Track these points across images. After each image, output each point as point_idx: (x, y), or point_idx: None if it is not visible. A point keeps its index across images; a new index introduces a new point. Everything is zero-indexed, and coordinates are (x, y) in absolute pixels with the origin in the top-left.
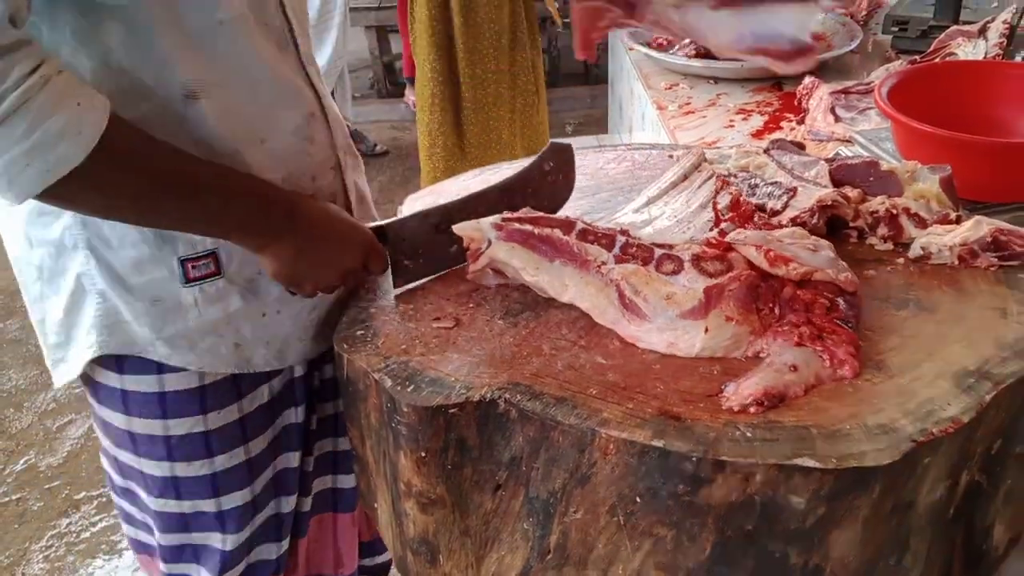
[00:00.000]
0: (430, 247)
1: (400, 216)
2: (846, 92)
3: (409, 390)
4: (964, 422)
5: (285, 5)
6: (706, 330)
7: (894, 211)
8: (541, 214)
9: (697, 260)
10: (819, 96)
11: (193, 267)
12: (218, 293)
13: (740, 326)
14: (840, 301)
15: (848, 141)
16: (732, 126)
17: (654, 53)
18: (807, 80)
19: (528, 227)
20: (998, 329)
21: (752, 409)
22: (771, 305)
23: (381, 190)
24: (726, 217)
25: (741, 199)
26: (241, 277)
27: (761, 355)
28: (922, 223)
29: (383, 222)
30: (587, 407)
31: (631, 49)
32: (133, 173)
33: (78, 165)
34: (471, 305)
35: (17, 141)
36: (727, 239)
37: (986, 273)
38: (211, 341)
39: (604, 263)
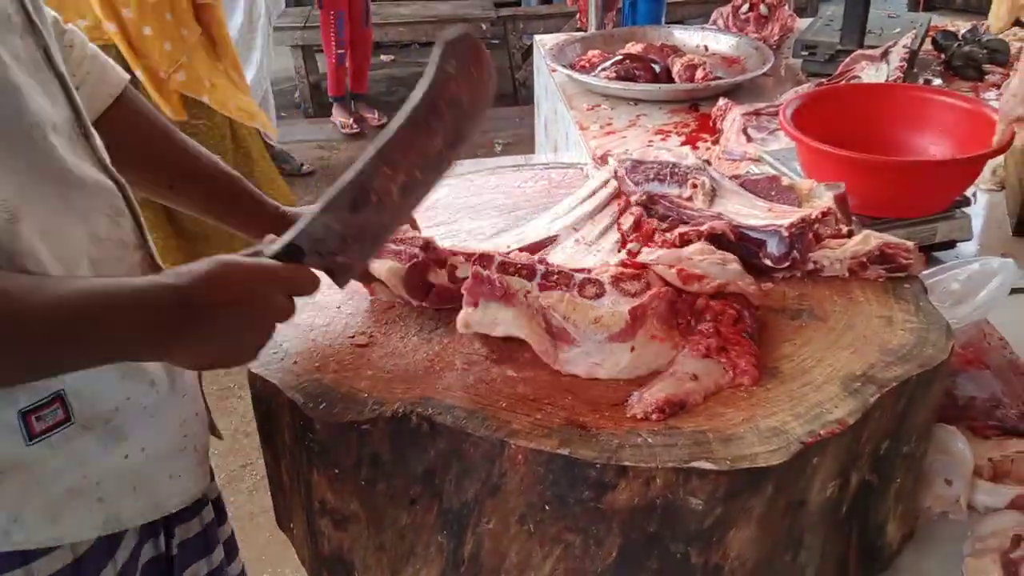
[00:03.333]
0: (356, 230)
1: (305, 219)
2: (757, 113)
3: (321, 407)
4: (850, 423)
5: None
6: (632, 349)
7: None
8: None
9: (617, 281)
10: (732, 117)
11: (37, 418)
12: (70, 443)
13: (663, 343)
14: (745, 313)
15: (758, 160)
16: (651, 145)
17: (576, 75)
18: (721, 102)
19: (401, 246)
20: (884, 336)
21: (654, 416)
22: (688, 318)
23: None
24: (631, 237)
25: (643, 220)
26: (96, 418)
27: (667, 366)
28: (818, 238)
29: (288, 237)
30: (497, 419)
31: (554, 71)
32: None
33: None
34: (386, 322)
35: None
36: (641, 259)
37: (875, 284)
38: (73, 505)
39: (528, 292)
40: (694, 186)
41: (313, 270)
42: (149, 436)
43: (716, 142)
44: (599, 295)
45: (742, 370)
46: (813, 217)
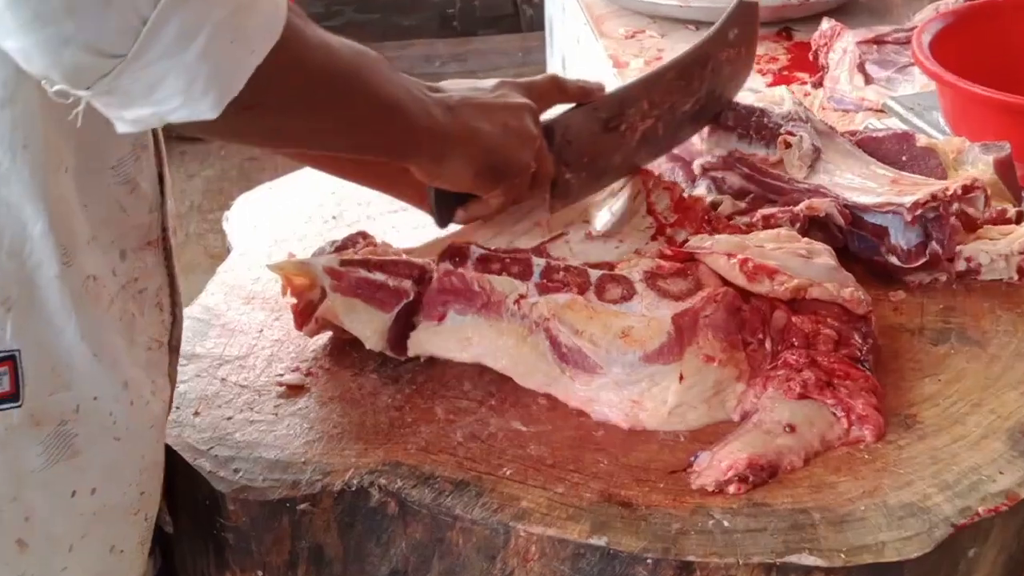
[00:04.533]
0: (595, 152)
1: (564, 112)
2: (879, 42)
3: (237, 478)
4: (1022, 498)
5: None
6: (680, 377)
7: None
8: (395, 253)
9: (652, 278)
10: (843, 48)
11: None
12: (8, 438)
13: (724, 368)
14: (854, 334)
15: (881, 110)
16: None
17: None
18: (825, 25)
19: (380, 276)
20: None
21: (732, 488)
22: (760, 337)
23: (206, 190)
24: (670, 221)
25: (685, 195)
26: (50, 413)
27: (749, 413)
28: (970, 224)
29: (548, 120)
30: (499, 493)
31: None
32: (321, 54)
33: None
34: (331, 352)
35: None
36: (688, 248)
37: None
38: None
39: (523, 297)
40: (787, 145)
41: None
42: (104, 467)
43: (819, 84)
44: (627, 297)
45: (859, 416)
46: (951, 193)
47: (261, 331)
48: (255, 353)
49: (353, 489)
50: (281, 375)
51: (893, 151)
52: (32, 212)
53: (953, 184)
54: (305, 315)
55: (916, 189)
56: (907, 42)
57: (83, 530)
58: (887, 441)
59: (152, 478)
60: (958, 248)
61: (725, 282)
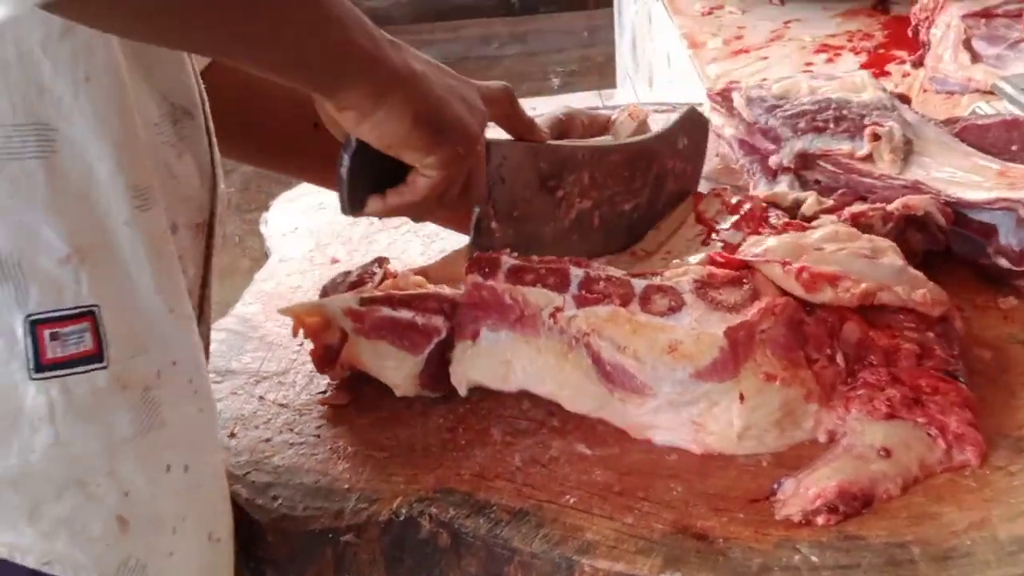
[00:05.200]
0: (527, 210)
1: (509, 141)
2: (988, 15)
3: (276, 506)
4: None
5: None
6: (741, 397)
7: None
8: (418, 284)
9: (702, 288)
10: (946, 22)
11: (52, 335)
12: (97, 402)
13: (787, 387)
14: (933, 339)
15: (990, 92)
16: (809, 71)
17: None
18: None
19: (407, 314)
20: None
21: (821, 519)
22: (828, 352)
23: (244, 187)
24: (727, 226)
25: (734, 199)
26: (135, 376)
27: (836, 436)
28: None
29: (487, 137)
30: (561, 524)
31: None
32: None
33: None
34: None
35: None
36: (741, 254)
37: None
38: (72, 509)
39: (559, 310)
40: (875, 137)
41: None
42: (193, 442)
43: (919, 63)
44: (675, 309)
45: (955, 435)
46: None
47: (302, 344)
48: (295, 369)
49: (401, 519)
50: (324, 393)
51: (1001, 140)
52: (97, 152)
53: None
54: (325, 360)
55: None
56: (1020, 15)
57: (183, 511)
58: (996, 467)
59: (225, 463)
60: None
61: (784, 292)
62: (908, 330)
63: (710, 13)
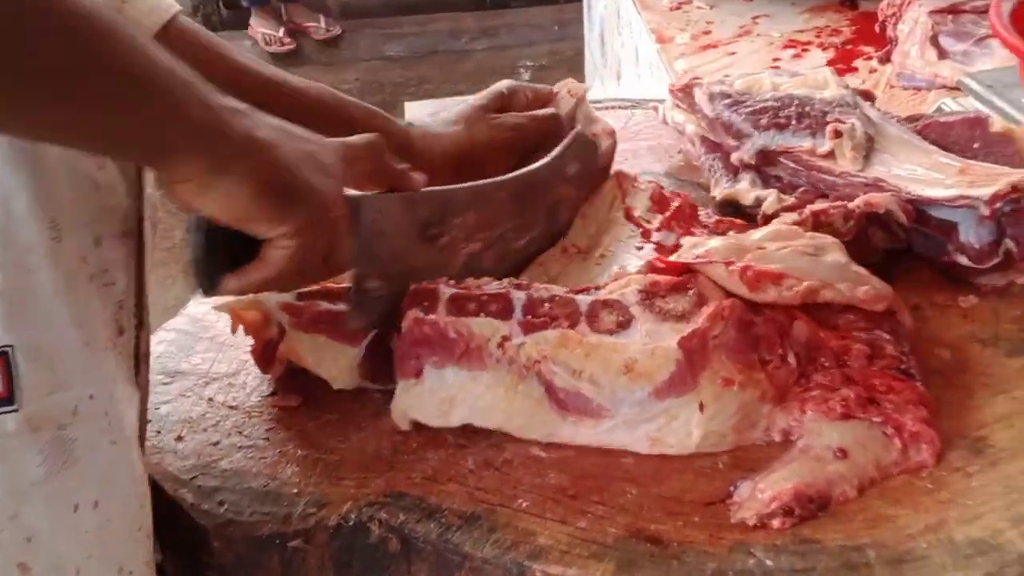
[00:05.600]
0: (410, 264)
1: (374, 196)
2: (955, 11)
3: (222, 511)
4: None
5: None
6: (701, 407)
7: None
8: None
9: (648, 298)
10: (914, 18)
11: None
12: (5, 444)
13: (745, 390)
14: (887, 342)
15: (957, 88)
16: (776, 66)
17: None
18: None
19: (344, 307)
20: None
21: (777, 522)
22: (780, 353)
23: None
24: (655, 225)
25: (664, 192)
26: (48, 415)
27: (791, 436)
28: None
29: (356, 193)
30: (513, 528)
31: None
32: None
33: None
34: None
35: None
36: (681, 257)
37: None
38: None
39: (506, 339)
40: (837, 134)
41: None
42: (104, 476)
43: (886, 59)
44: (624, 325)
45: (911, 434)
46: None
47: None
48: (246, 370)
49: (351, 524)
50: (274, 394)
51: (963, 138)
52: (15, 184)
53: None
54: (266, 357)
55: (991, 179)
56: (987, 11)
57: (88, 550)
58: (954, 468)
59: (146, 490)
60: None
61: (729, 293)
62: (857, 329)
63: (678, 8)
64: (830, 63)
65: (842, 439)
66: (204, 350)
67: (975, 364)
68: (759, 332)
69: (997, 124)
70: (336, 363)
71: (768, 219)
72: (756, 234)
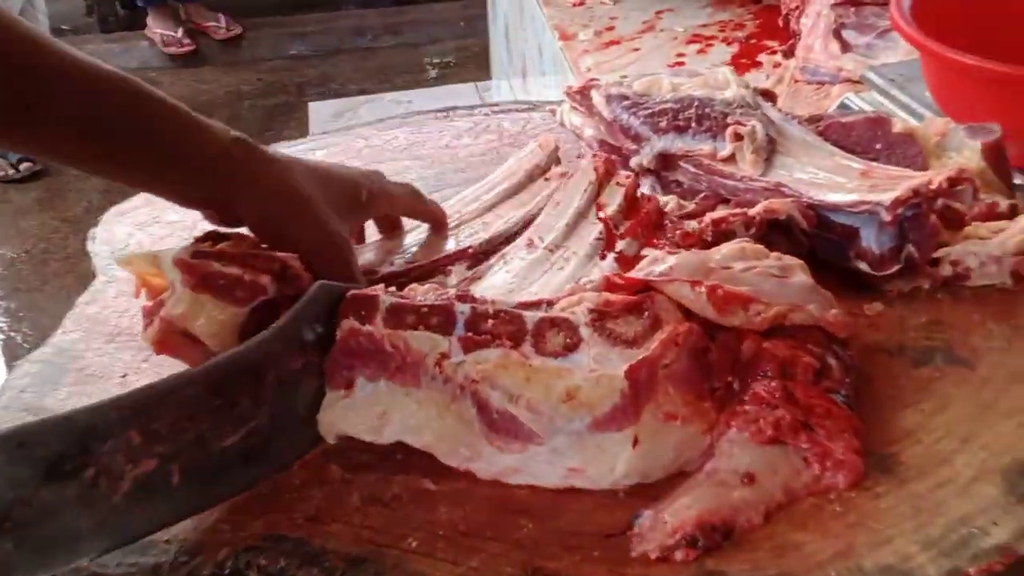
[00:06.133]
0: (33, 506)
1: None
2: (857, 3)
3: (84, 563)
4: (1022, 553)
5: None
6: (635, 443)
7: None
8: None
9: (599, 319)
10: (816, 11)
11: None
12: None
13: (687, 425)
14: (832, 361)
15: (859, 82)
16: (682, 63)
17: None
18: None
19: (235, 271)
20: None
21: (680, 554)
22: (729, 378)
23: (107, 189)
24: (621, 231)
25: (638, 193)
26: None
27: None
28: (956, 221)
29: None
30: (402, 570)
31: None
32: None
33: None
34: None
35: None
36: (639, 274)
37: None
38: None
39: (444, 356)
40: (737, 137)
41: None
42: None
43: (791, 53)
44: (572, 348)
45: (836, 462)
46: (935, 187)
47: (125, 376)
48: (94, 378)
49: (227, 572)
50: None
51: (865, 138)
52: None
53: (936, 176)
54: (147, 316)
55: (892, 183)
56: (887, 3)
57: None
58: (863, 488)
59: None
60: (943, 251)
61: (688, 316)
62: (810, 342)
63: (581, 3)
64: (734, 58)
65: (752, 463)
66: (71, 383)
67: (881, 375)
68: (713, 359)
69: (899, 124)
70: (216, 320)
71: None
72: (719, 252)
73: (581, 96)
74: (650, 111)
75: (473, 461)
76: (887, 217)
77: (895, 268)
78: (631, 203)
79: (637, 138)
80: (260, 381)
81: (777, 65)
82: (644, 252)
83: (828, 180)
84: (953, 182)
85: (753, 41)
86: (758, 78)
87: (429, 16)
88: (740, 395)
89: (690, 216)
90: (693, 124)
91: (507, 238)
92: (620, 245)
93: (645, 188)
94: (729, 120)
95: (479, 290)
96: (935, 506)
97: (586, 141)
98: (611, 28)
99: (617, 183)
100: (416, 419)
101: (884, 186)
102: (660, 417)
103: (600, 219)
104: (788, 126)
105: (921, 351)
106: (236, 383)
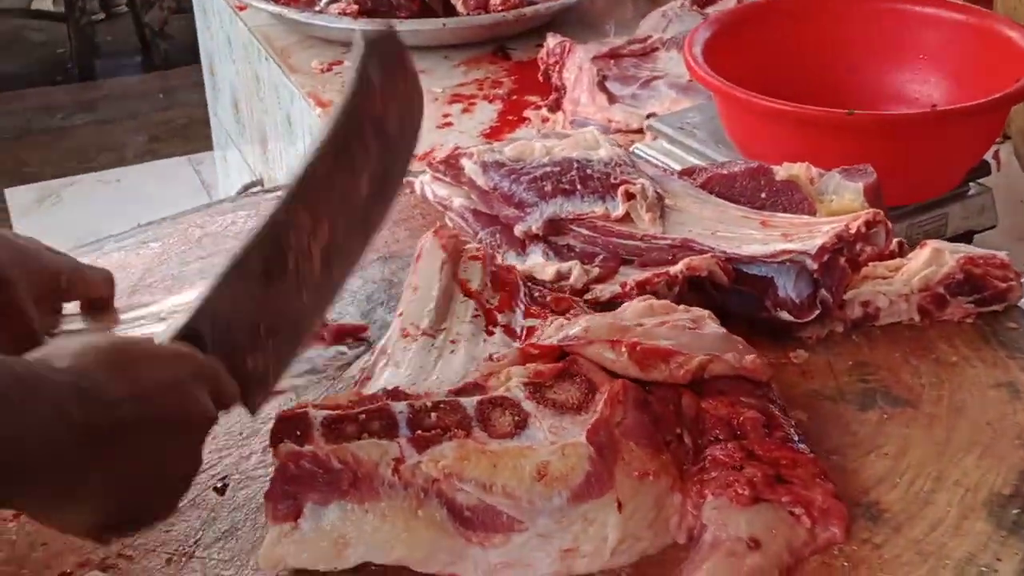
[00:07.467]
0: (272, 316)
1: (202, 294)
2: (615, 56)
3: None
4: None
5: None
6: (619, 506)
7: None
8: None
9: (538, 391)
10: (577, 65)
11: None
12: None
13: (659, 479)
14: (772, 408)
15: (635, 131)
16: (450, 124)
17: (289, 11)
18: (552, 41)
19: None
20: (1016, 416)
21: None
22: (678, 431)
23: None
24: (495, 304)
25: (496, 265)
26: None
27: (693, 531)
28: (853, 263)
29: (182, 320)
30: None
31: (243, 8)
32: None
33: None
34: None
35: None
36: (552, 340)
37: (960, 328)
38: None
39: (399, 460)
40: (629, 196)
41: None
42: None
43: (557, 107)
44: (522, 425)
45: (821, 511)
46: (854, 232)
47: None
48: None
49: None
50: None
51: (749, 188)
52: None
53: (854, 221)
54: None
55: (803, 230)
56: (644, 54)
57: None
58: (861, 540)
59: None
60: (851, 293)
61: (612, 374)
62: (744, 395)
63: (328, 70)
64: (500, 115)
65: (750, 527)
66: None
67: (832, 423)
68: (656, 411)
69: (781, 172)
70: None
71: (578, 293)
72: (626, 311)
73: (447, 166)
74: (531, 176)
75: (455, 564)
76: (813, 265)
77: (814, 315)
78: (494, 276)
79: (521, 205)
80: (362, 133)
81: (545, 120)
82: (527, 323)
83: (735, 232)
84: (870, 225)
85: (515, 97)
86: (529, 134)
87: (123, 90)
88: (696, 458)
89: (599, 280)
90: (579, 186)
91: None
92: (502, 319)
93: (538, 256)
94: (613, 180)
95: (376, 389)
96: (937, 549)
97: (456, 212)
98: None
99: (471, 257)
100: (381, 535)
101: (796, 234)
102: (634, 476)
103: (469, 296)
104: (669, 181)
105: (860, 394)
106: (349, 142)
